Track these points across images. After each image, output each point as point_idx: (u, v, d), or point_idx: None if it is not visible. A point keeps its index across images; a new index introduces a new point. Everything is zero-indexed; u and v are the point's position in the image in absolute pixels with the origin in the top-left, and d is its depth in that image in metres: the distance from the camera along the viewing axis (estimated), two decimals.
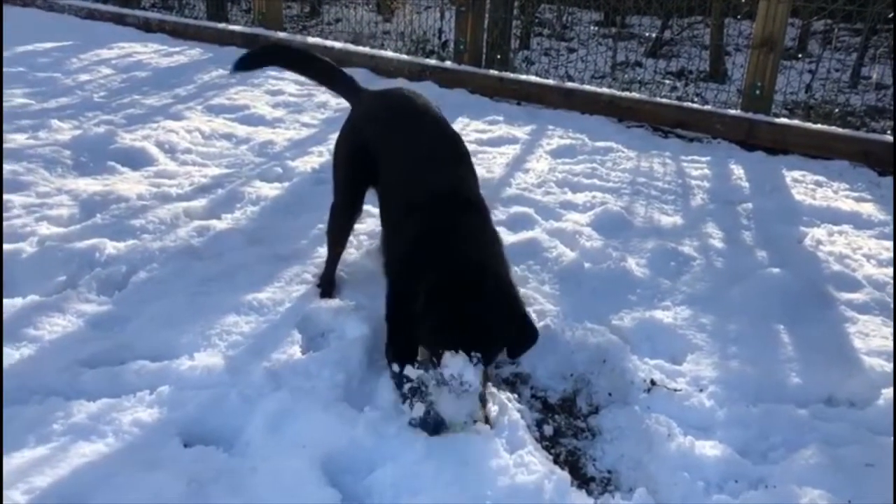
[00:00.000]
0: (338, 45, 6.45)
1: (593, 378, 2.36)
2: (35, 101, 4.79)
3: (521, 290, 2.74)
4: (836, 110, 5.52)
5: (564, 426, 2.21)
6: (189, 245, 2.99)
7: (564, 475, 1.90)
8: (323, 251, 2.82)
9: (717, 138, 4.86)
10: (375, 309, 2.40)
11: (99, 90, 5.19)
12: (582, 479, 2.01)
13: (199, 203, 3.41)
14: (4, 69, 5.31)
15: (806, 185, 4.11)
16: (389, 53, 6.23)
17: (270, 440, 1.95)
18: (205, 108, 4.91)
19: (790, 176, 4.23)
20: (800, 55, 7.36)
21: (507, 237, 3.13)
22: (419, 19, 7.04)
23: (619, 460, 2.07)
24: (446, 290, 1.97)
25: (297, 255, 2.95)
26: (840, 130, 4.65)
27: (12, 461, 1.83)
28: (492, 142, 4.57)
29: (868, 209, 3.79)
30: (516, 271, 2.89)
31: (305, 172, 3.86)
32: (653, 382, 2.31)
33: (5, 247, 2.83)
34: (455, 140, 2.54)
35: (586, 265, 2.96)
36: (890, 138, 4.49)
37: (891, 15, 5.68)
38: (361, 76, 2.99)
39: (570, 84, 5.53)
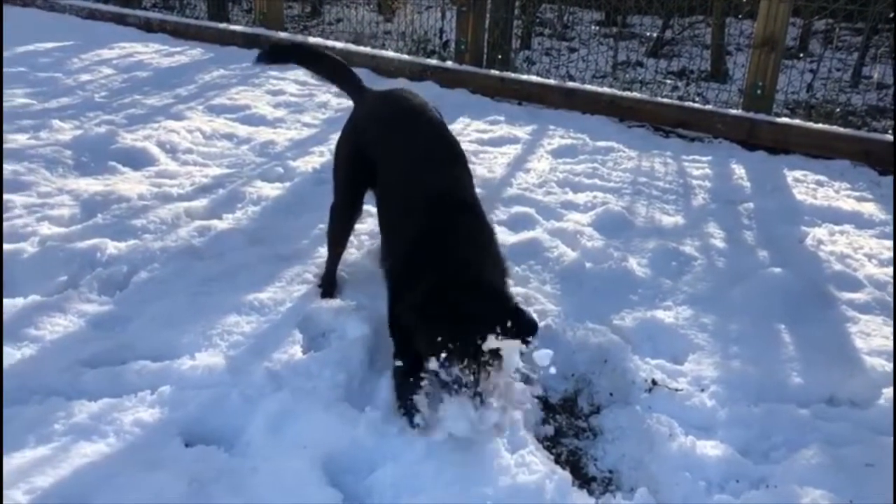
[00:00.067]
0: (339, 45, 6.45)
1: (594, 378, 2.36)
2: (36, 101, 4.80)
3: (522, 290, 2.76)
4: (838, 110, 5.51)
5: (566, 426, 2.21)
6: (190, 245, 2.99)
7: (566, 475, 1.90)
8: (324, 251, 2.82)
9: (718, 138, 4.86)
10: (376, 309, 2.41)
11: (100, 90, 5.19)
12: (583, 479, 2.01)
13: (201, 203, 3.41)
14: (5, 69, 5.31)
15: (807, 184, 4.11)
16: (390, 53, 6.23)
17: (271, 440, 1.95)
18: (206, 108, 4.91)
19: (791, 175, 4.23)
20: (801, 55, 7.36)
21: (508, 237, 3.14)
22: (420, 19, 7.03)
23: (620, 460, 2.07)
24: (443, 293, 1.96)
25: (298, 255, 2.95)
26: (841, 130, 4.64)
27: (13, 461, 1.83)
28: (493, 142, 4.57)
29: (869, 209, 3.79)
30: (517, 271, 2.89)
31: (306, 172, 3.87)
32: (654, 382, 2.31)
33: (6, 247, 2.83)
34: (451, 142, 2.54)
35: (587, 265, 2.96)
36: (891, 138, 4.48)
37: (892, 14, 5.68)
38: (362, 76, 2.99)
39: (571, 84, 5.53)
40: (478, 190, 2.49)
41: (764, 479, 1.96)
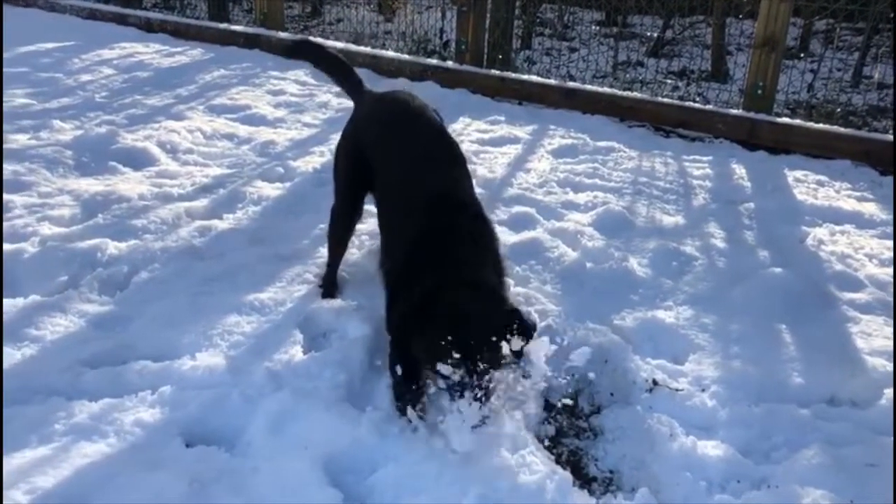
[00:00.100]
0: (339, 45, 6.45)
1: (595, 378, 2.36)
2: (37, 102, 4.80)
3: (523, 290, 2.76)
4: (838, 110, 5.51)
5: (566, 426, 2.21)
6: (190, 245, 2.99)
7: (566, 475, 1.90)
8: (324, 251, 2.82)
9: (718, 138, 4.86)
10: (377, 309, 2.40)
11: (100, 90, 5.20)
12: (584, 479, 2.01)
13: (201, 203, 3.42)
14: (6, 69, 5.32)
15: (808, 184, 4.11)
16: (391, 53, 6.23)
17: (272, 440, 1.95)
18: (206, 109, 4.91)
19: (792, 175, 4.22)
20: (802, 55, 7.35)
21: (508, 237, 3.14)
22: (420, 19, 7.03)
23: (621, 460, 2.07)
24: (441, 294, 1.96)
25: (299, 255, 2.95)
26: (842, 130, 4.64)
27: (14, 461, 1.83)
28: (493, 142, 4.57)
29: (870, 209, 3.79)
30: (518, 271, 2.89)
31: (307, 172, 3.87)
32: (655, 382, 2.31)
33: (7, 247, 2.83)
34: (450, 143, 2.54)
35: (588, 265, 2.95)
36: (892, 138, 4.48)
37: (892, 14, 5.68)
38: (363, 76, 2.99)
39: (571, 84, 5.53)
40: (478, 190, 2.49)
41: (765, 480, 1.96)
